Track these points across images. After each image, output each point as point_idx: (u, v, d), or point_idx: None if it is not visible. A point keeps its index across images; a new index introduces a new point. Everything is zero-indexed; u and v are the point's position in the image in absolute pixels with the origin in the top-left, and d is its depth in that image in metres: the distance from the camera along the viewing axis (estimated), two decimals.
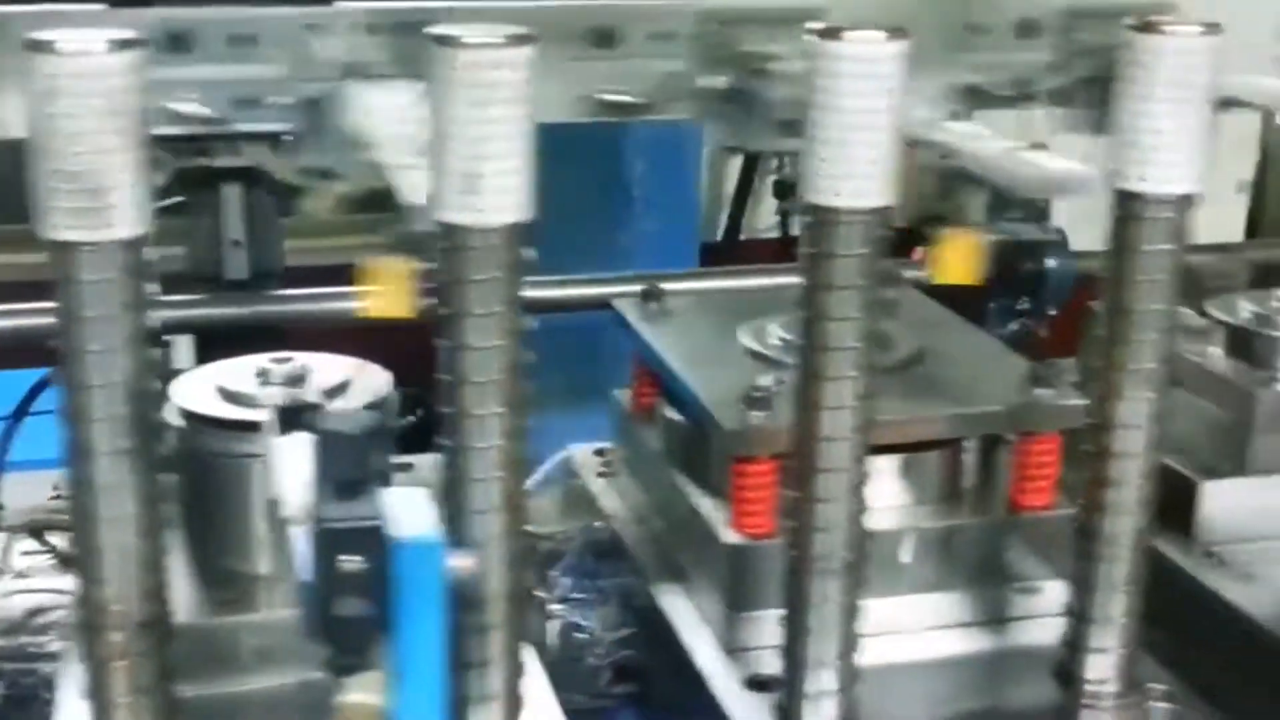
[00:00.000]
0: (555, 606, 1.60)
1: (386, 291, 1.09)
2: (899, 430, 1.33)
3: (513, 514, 1.09)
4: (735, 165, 5.19)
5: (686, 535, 1.42)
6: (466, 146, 1.00)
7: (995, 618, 1.39)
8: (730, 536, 1.33)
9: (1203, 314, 1.63)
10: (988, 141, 1.37)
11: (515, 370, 1.06)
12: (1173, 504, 1.52)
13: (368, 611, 0.88)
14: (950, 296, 1.73)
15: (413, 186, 1.10)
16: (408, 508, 0.91)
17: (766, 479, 1.30)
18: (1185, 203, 1.15)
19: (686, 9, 1.97)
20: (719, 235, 4.93)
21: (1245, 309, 1.60)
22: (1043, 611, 1.38)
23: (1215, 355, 1.59)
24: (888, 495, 1.38)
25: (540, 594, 1.54)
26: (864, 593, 1.26)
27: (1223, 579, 1.46)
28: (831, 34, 1.10)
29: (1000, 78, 2.09)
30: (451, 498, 1.08)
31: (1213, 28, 1.11)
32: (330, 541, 0.89)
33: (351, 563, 0.88)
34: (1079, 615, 1.25)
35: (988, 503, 1.42)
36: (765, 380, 1.32)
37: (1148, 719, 1.27)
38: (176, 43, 1.77)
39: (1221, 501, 1.50)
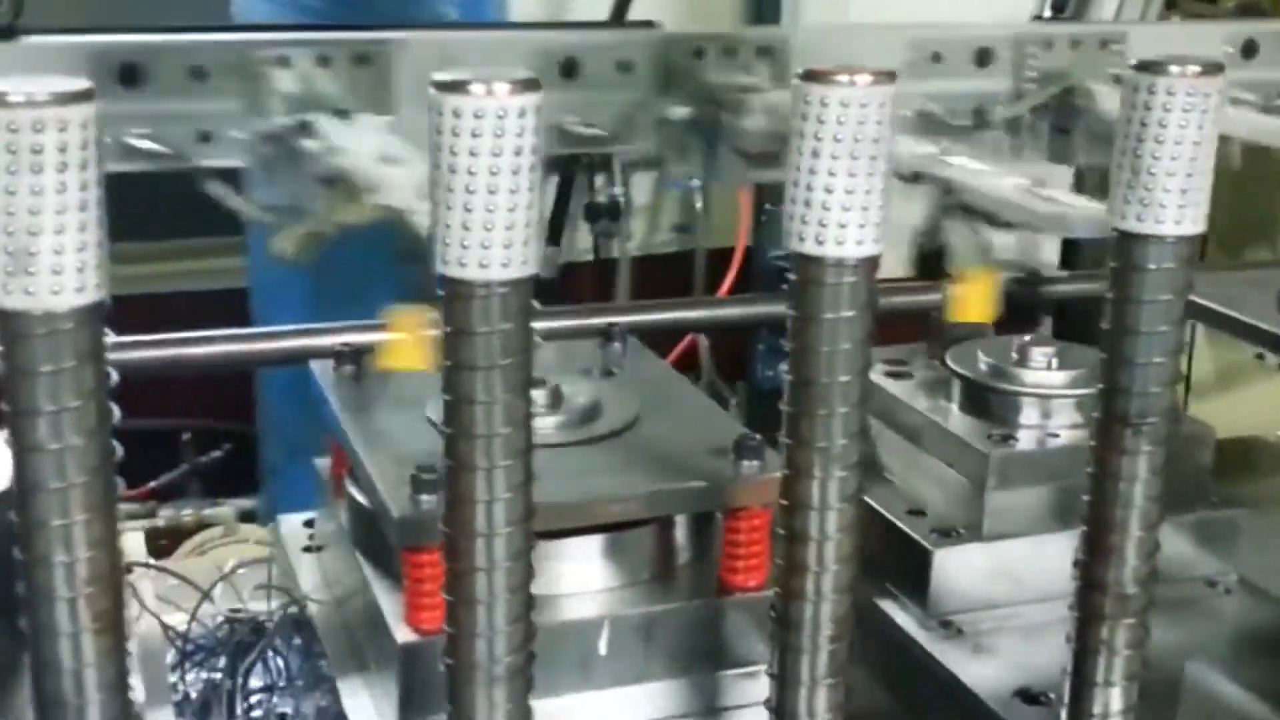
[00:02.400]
0: (257, 696, 1.47)
1: None
2: (585, 512, 1.22)
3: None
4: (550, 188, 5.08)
5: (370, 626, 1.29)
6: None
7: (708, 708, 1.28)
8: (404, 633, 1.20)
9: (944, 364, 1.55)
10: (992, 177, 1.30)
11: (101, 471, 0.93)
12: (909, 571, 1.44)
13: None
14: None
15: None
16: None
17: (442, 570, 1.18)
18: (870, 265, 1.05)
19: (648, 39, 1.90)
20: None
21: (983, 361, 1.51)
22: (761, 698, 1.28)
23: (954, 411, 1.51)
24: (588, 579, 1.27)
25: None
26: (551, 692, 1.15)
27: (952, 651, 1.37)
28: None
29: (960, 106, 2.04)
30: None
31: (886, 76, 1.00)
32: None
33: None
34: (779, 712, 1.15)
35: (702, 583, 1.31)
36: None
37: None
38: (129, 76, 1.67)
39: (955, 568, 1.41)
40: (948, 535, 1.42)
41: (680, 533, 1.32)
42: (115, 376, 0.93)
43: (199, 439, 3.85)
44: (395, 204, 1.20)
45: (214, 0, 3.44)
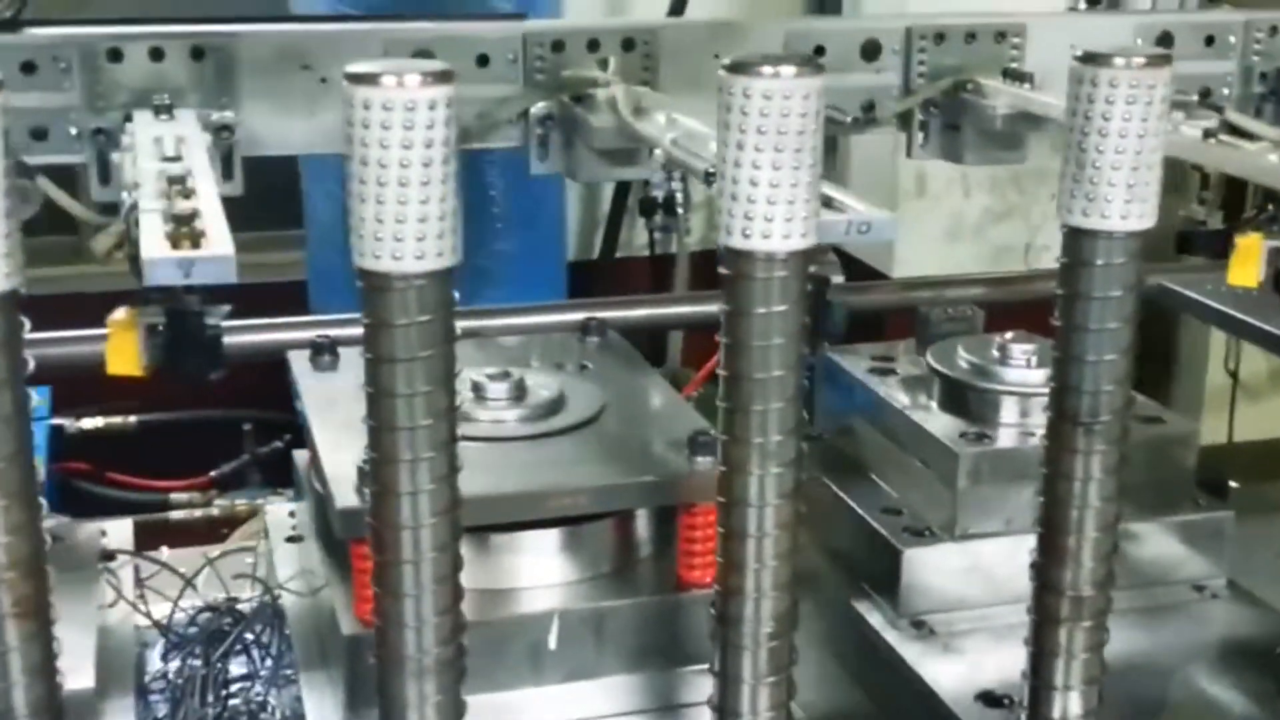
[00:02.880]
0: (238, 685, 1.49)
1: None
2: (536, 504, 1.22)
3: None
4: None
5: (329, 618, 1.30)
6: None
7: (663, 704, 1.27)
8: (349, 625, 1.21)
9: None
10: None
11: (18, 458, 0.94)
12: (882, 570, 1.42)
13: None
14: None
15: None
16: None
17: None
18: (801, 258, 1.04)
19: (510, 32, 1.89)
20: (596, 254, 4.81)
21: (963, 358, 1.49)
22: None
23: (933, 408, 1.49)
24: (541, 573, 1.27)
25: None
26: (502, 686, 1.16)
27: (919, 651, 1.36)
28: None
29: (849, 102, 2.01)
30: None
31: (811, 67, 0.99)
32: None
33: None
34: (720, 710, 1.14)
35: (660, 579, 1.30)
36: None
37: None
38: None
39: (925, 568, 1.39)
40: (920, 535, 1.41)
41: (639, 528, 1.31)
42: (31, 364, 0.94)
43: (260, 430, 3.90)
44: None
45: None
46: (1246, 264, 1.31)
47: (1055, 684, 1.20)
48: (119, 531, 1.53)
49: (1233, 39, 1.94)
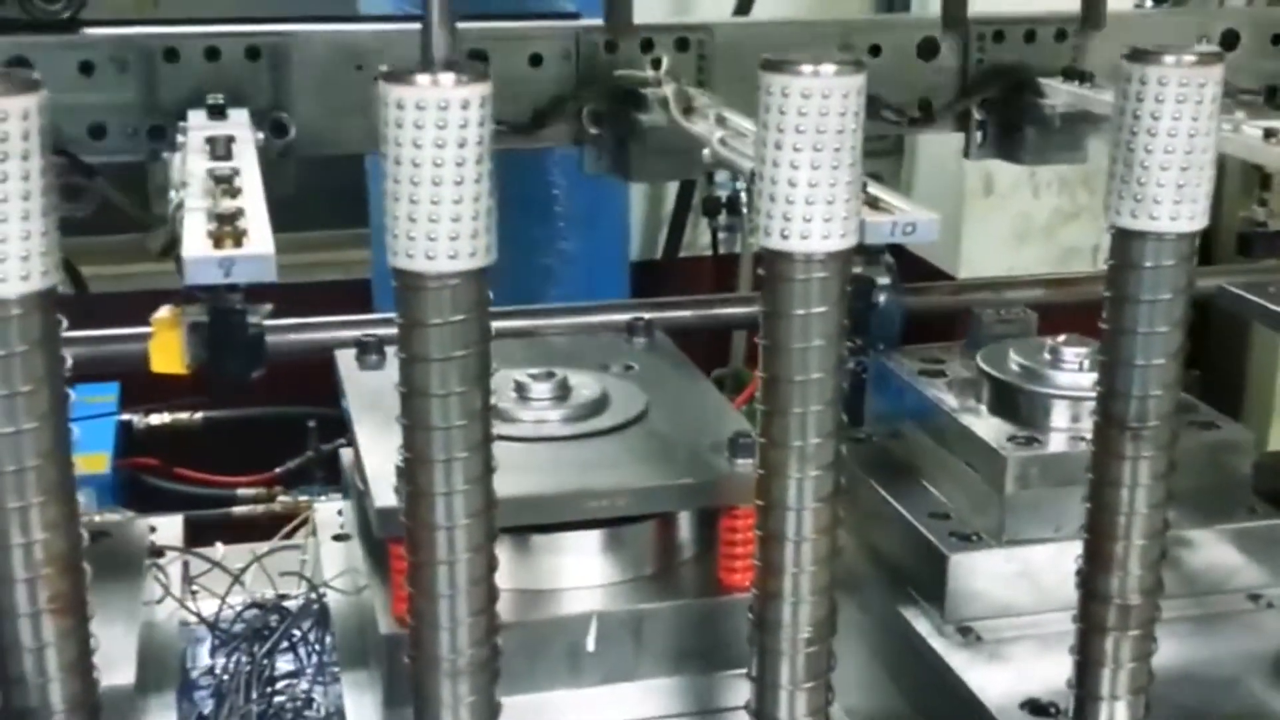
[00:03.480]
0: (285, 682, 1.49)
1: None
2: (574, 505, 1.21)
3: None
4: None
5: (370, 617, 1.30)
6: None
7: (701, 709, 1.27)
8: (387, 624, 1.21)
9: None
10: None
11: (55, 454, 0.94)
12: (928, 576, 1.41)
13: None
14: None
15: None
16: None
17: None
18: (841, 259, 1.02)
19: (563, 31, 1.89)
20: (659, 253, 4.80)
21: (1014, 361, 1.47)
22: None
23: (982, 411, 1.47)
24: (581, 574, 1.26)
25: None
26: (539, 687, 1.15)
27: (964, 658, 1.34)
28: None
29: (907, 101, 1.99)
30: None
31: (852, 66, 0.98)
32: None
33: None
34: (759, 715, 1.13)
35: (701, 582, 1.29)
36: None
37: None
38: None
39: (972, 574, 1.37)
40: (967, 540, 1.39)
41: (681, 530, 1.30)
42: (69, 361, 0.95)
43: (325, 427, 3.93)
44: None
45: None
46: None
47: (1101, 694, 1.18)
48: (170, 528, 1.55)
49: None
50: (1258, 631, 1.42)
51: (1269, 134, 1.38)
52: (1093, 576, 1.16)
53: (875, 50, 1.92)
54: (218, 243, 0.99)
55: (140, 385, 3.13)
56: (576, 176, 3.52)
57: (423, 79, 0.92)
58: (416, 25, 1.84)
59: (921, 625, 1.39)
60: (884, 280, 1.26)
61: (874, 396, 1.62)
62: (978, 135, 1.90)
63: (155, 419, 3.54)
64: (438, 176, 0.92)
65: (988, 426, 1.42)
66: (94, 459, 2.76)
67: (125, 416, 3.26)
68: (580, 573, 1.25)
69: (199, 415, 3.63)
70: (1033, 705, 1.26)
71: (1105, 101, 1.73)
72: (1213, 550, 1.43)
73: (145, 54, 1.63)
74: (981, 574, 1.37)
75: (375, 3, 3.57)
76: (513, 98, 1.76)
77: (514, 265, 3.43)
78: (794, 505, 1.06)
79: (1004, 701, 1.27)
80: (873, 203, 1.12)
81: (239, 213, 1.03)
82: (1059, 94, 1.72)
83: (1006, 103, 1.83)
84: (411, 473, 1.00)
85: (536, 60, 1.78)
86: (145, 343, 1.54)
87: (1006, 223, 4.83)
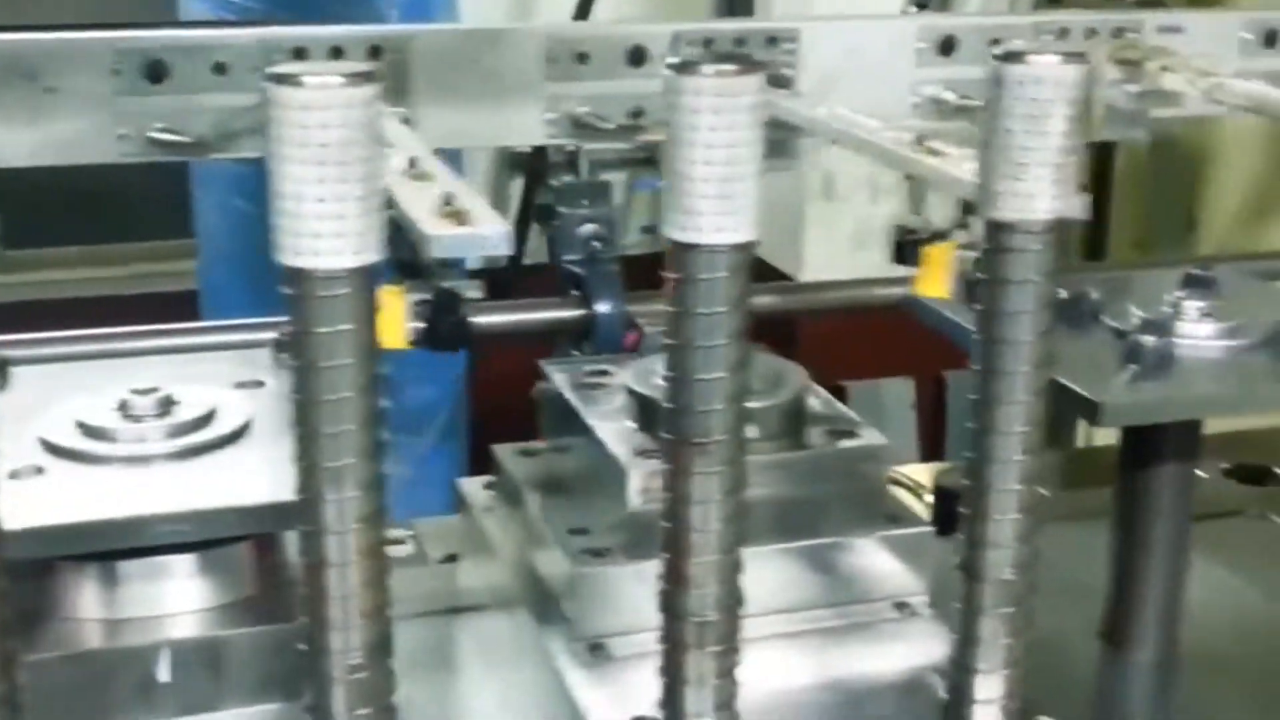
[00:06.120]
0: None
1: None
2: (138, 530, 1.17)
3: None
4: (519, 186, 5.08)
5: None
6: None
7: None
8: None
9: None
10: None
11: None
12: (563, 591, 1.38)
13: None
14: None
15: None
16: None
17: None
18: (361, 276, 0.99)
19: (245, 40, 1.85)
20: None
21: (658, 374, 1.45)
22: None
23: (627, 424, 1.45)
24: (168, 601, 1.23)
25: None
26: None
27: (585, 677, 1.31)
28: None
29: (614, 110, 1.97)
30: None
31: (364, 77, 0.95)
32: None
33: None
34: None
35: (290, 606, 1.25)
36: None
37: None
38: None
39: (599, 590, 1.35)
40: (598, 555, 1.37)
41: (288, 551, 1.27)
42: None
43: None
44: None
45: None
46: (936, 274, 1.28)
47: (689, 712, 1.16)
48: None
49: None
50: (903, 640, 1.41)
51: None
52: (671, 594, 1.15)
53: (583, 57, 1.91)
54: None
55: None
56: None
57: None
58: (89, 35, 1.80)
59: (554, 644, 1.37)
60: (473, 294, 1.23)
61: (545, 407, 1.59)
62: None
63: None
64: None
65: (624, 439, 1.40)
66: None
67: None
68: (164, 600, 1.21)
69: None
70: None
71: (792, 109, 1.73)
72: (856, 559, 1.42)
73: None
74: (610, 590, 1.35)
75: (189, 12, 3.52)
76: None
77: None
78: (336, 528, 1.04)
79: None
80: (457, 215, 1.11)
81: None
82: None
83: None
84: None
85: (221, 69, 1.75)
86: None
87: (847, 226, 4.86)
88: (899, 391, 4.94)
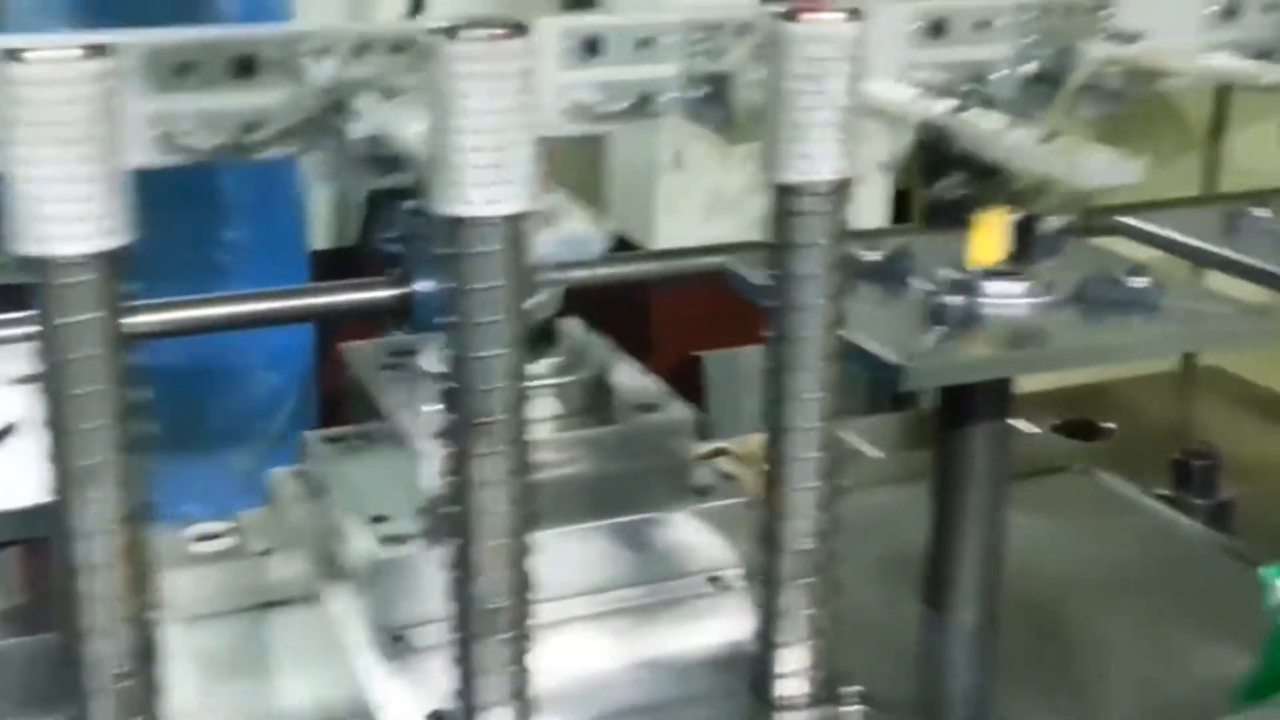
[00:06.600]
0: None
1: None
2: None
3: None
4: None
5: None
6: None
7: None
8: None
9: None
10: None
11: None
12: (367, 580, 1.34)
13: None
14: None
15: None
16: None
17: None
18: (104, 262, 0.94)
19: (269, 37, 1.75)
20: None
21: None
22: None
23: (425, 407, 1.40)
24: None
25: None
26: None
27: (384, 669, 1.27)
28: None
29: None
30: None
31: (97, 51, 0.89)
32: None
33: None
34: None
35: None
36: None
37: None
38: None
39: (398, 578, 1.31)
40: (398, 541, 1.32)
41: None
42: None
43: None
44: None
45: None
46: (989, 239, 1.35)
47: (482, 702, 1.12)
48: None
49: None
50: (717, 614, 1.39)
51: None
52: (460, 581, 1.11)
53: None
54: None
55: None
56: (240, 163, 3.40)
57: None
58: None
59: (357, 636, 1.32)
60: None
61: (350, 391, 1.54)
62: None
63: None
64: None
65: (423, 422, 1.36)
66: None
67: None
68: None
69: None
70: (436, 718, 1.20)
71: None
72: (667, 535, 1.40)
73: None
74: (410, 578, 1.31)
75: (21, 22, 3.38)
76: None
77: (178, 261, 3.28)
78: (93, 529, 0.98)
79: (406, 713, 1.21)
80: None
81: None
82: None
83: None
84: None
85: None
86: None
87: (698, 195, 4.84)
88: (756, 360, 4.95)
